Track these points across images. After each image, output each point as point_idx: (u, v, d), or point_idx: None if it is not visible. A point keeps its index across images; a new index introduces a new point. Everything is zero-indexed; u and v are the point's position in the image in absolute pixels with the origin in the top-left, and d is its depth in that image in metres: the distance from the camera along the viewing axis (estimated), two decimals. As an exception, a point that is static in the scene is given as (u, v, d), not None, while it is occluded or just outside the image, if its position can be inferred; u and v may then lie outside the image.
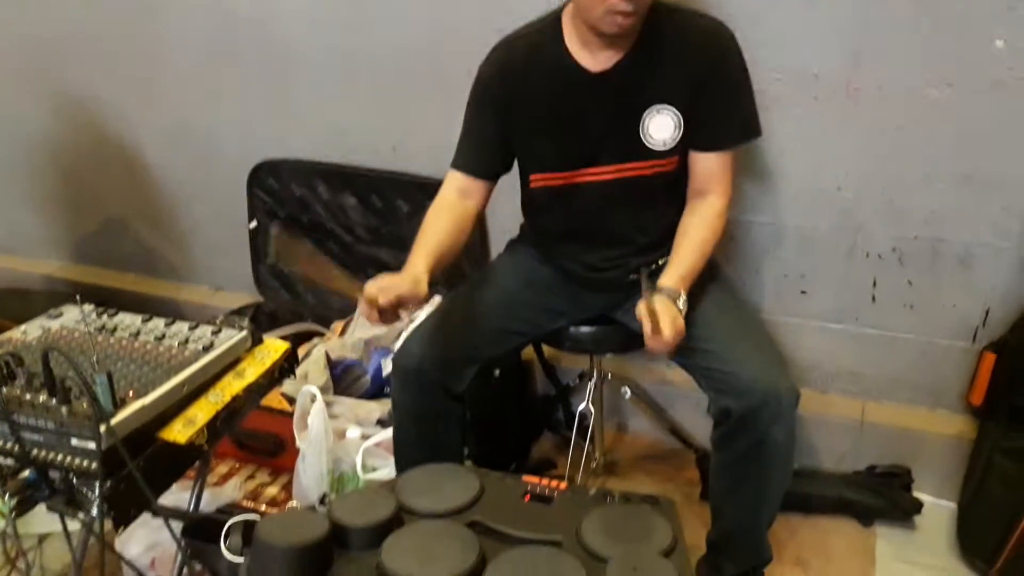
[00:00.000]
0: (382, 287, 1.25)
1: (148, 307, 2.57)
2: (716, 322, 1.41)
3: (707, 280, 1.47)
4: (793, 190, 1.81)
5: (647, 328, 1.28)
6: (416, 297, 1.28)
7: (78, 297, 1.45)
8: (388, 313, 1.27)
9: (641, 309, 1.30)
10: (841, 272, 1.85)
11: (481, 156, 1.53)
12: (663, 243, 1.51)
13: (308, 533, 0.96)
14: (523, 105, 1.46)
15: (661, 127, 1.41)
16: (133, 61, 2.34)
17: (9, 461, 1.19)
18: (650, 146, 1.43)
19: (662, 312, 1.28)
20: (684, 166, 1.47)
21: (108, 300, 2.52)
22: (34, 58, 2.46)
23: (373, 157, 2.17)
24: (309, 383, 1.75)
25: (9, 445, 1.18)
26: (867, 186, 1.75)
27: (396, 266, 2.17)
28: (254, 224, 2.34)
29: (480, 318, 1.47)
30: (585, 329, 1.61)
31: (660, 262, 1.52)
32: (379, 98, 2.10)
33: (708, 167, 1.45)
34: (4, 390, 1.20)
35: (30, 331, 1.45)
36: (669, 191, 1.49)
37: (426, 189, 2.12)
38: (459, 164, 1.54)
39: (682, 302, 1.36)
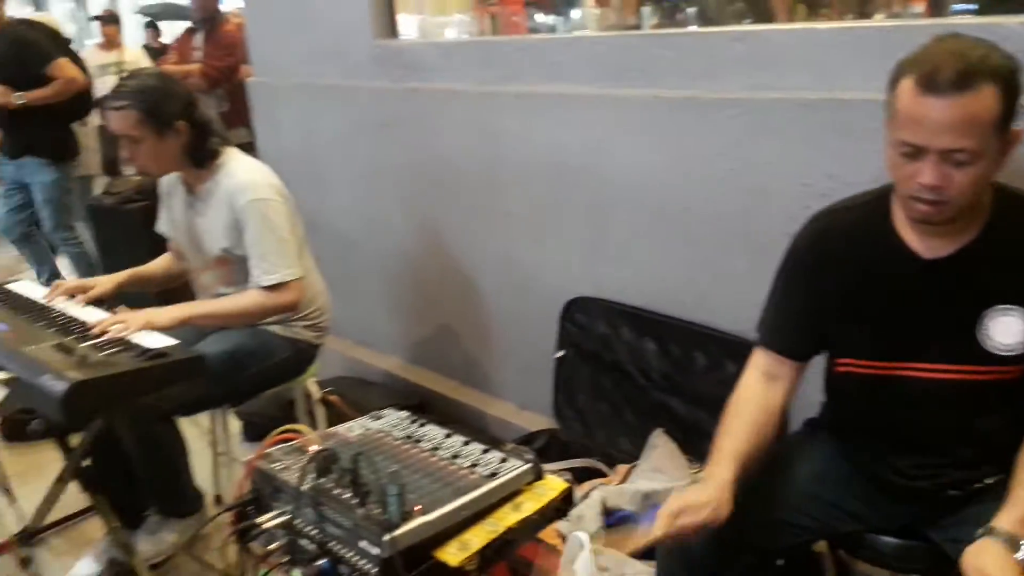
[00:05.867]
0: (685, 508, 1.26)
1: (461, 413, 2.83)
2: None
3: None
4: None
5: None
6: (717, 520, 1.27)
7: (396, 406, 1.62)
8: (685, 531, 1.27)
9: (968, 563, 1.14)
10: None
11: (790, 334, 1.44)
12: (992, 459, 1.29)
13: None
14: (839, 284, 1.36)
15: (1007, 331, 1.23)
16: (478, 196, 2.66)
17: (312, 546, 1.36)
18: (989, 350, 1.25)
19: (996, 572, 1.11)
20: None
21: (430, 401, 2.83)
22: (407, 184, 2.91)
23: (678, 307, 2.18)
24: (583, 526, 1.75)
25: (315, 532, 1.35)
26: None
27: (685, 417, 2.17)
28: (561, 354, 2.45)
29: (760, 504, 1.36)
30: (888, 540, 1.40)
31: (986, 481, 1.30)
32: (689, 251, 2.13)
33: None
34: (321, 481, 1.37)
35: (354, 428, 1.64)
36: (1006, 401, 1.28)
37: (726, 345, 2.08)
38: (766, 341, 1.46)
39: (1023, 553, 1.15)
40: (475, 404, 2.82)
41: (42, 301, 1.96)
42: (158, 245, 2.32)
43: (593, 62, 2.29)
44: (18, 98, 3.66)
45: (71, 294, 1.99)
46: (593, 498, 1.88)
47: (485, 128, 2.58)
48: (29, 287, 2.11)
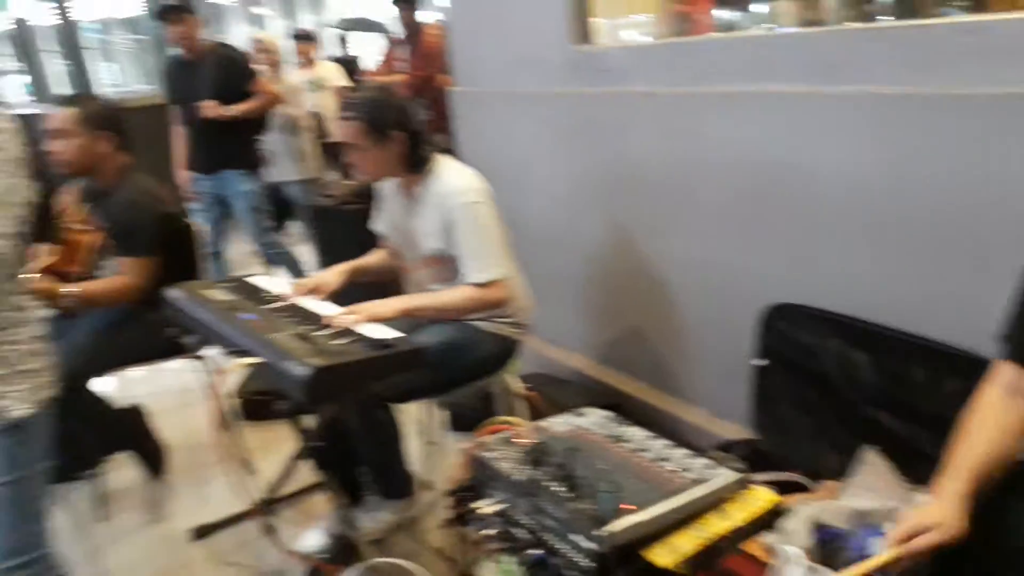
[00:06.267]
0: (917, 529, 1.23)
1: (652, 417, 2.82)
2: None
3: None
4: None
5: None
6: (951, 539, 1.22)
7: (597, 406, 1.66)
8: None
9: None
10: None
11: None
12: None
13: None
14: None
15: None
16: (672, 199, 2.63)
17: (525, 536, 1.42)
18: None
19: None
20: None
21: (620, 403, 2.84)
22: (601, 188, 2.94)
23: (893, 317, 2.05)
24: (793, 541, 1.69)
25: (529, 522, 1.40)
26: None
27: (899, 434, 2.03)
28: (762, 363, 2.38)
29: (991, 536, 1.25)
30: None
31: None
32: (907, 257, 2.00)
33: None
34: (535, 472, 1.43)
35: (559, 425, 1.68)
36: None
37: (949, 360, 1.93)
38: (1011, 353, 1.36)
39: None
40: (666, 408, 2.81)
41: (280, 294, 2.18)
42: (370, 243, 2.50)
43: (797, 58, 2.22)
44: (234, 111, 4.00)
45: (308, 290, 2.20)
46: (803, 512, 1.81)
47: (681, 130, 2.56)
48: (267, 281, 2.35)
